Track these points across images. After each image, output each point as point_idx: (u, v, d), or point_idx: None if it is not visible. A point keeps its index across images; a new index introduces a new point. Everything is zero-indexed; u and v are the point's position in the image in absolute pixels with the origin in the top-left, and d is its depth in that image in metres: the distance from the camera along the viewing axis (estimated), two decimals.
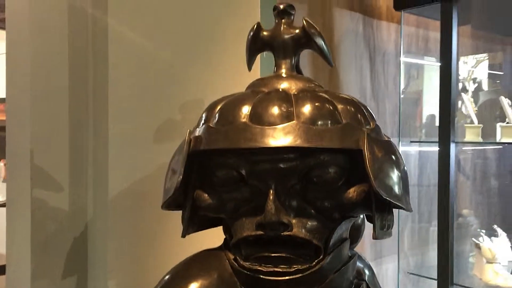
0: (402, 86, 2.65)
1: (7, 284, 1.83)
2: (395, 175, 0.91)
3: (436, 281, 1.82)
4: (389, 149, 0.94)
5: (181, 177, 0.93)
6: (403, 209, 0.94)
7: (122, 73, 1.71)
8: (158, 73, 1.80)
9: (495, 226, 2.37)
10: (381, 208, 0.91)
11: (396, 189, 0.91)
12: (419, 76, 3.31)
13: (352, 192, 0.92)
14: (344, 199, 0.92)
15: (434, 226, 2.41)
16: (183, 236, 1.00)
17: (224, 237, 1.05)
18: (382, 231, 0.92)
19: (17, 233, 1.76)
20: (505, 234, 2.31)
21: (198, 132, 0.98)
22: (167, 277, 1.00)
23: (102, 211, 1.77)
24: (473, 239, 2.35)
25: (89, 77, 1.77)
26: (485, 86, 3.33)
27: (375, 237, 0.92)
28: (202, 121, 1.02)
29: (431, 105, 3.00)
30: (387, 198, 0.88)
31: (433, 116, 2.97)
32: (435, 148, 2.16)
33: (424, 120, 3.08)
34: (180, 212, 1.02)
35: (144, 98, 1.76)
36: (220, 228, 1.06)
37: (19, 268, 1.75)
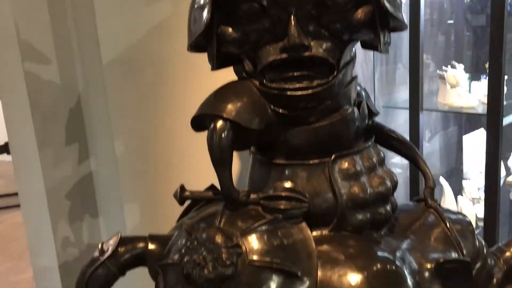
0: None
1: (13, 158, 1.92)
2: None
3: (408, 110, 2.09)
4: None
5: (210, 12, 1.03)
6: (401, 27, 1.11)
7: None
8: None
9: (453, 62, 2.66)
10: (382, 27, 1.07)
11: (396, 6, 1.07)
12: None
13: (360, 13, 1.06)
14: (353, 20, 1.06)
15: (402, 67, 2.67)
16: (213, 69, 1.12)
17: None
18: (385, 46, 1.10)
19: (15, 107, 1.82)
20: (462, 66, 2.62)
21: None
22: (207, 101, 1.12)
23: (95, 80, 1.84)
24: (438, 71, 2.64)
25: None
26: None
27: (380, 50, 1.09)
28: None
29: None
30: (392, 12, 1.03)
31: None
32: None
33: None
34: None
35: None
36: None
37: (24, 139, 1.83)
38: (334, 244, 1.09)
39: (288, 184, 1.08)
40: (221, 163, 1.04)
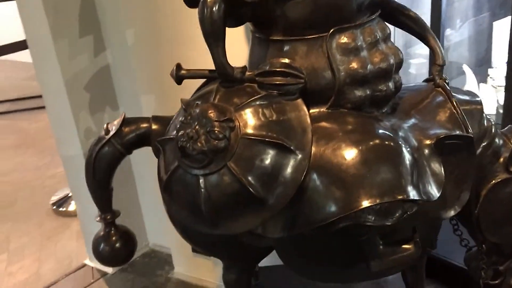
0: None
1: (31, 52, 1.96)
2: None
3: None
4: None
5: None
6: None
7: None
8: None
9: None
10: None
11: None
12: None
13: None
14: None
15: None
16: None
17: None
18: None
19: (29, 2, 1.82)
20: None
21: None
22: None
23: None
24: None
25: None
26: None
27: None
28: None
29: None
30: None
31: None
32: None
33: None
34: None
35: None
36: None
37: (39, 33, 1.85)
38: (332, 121, 1.08)
39: (284, 60, 1.06)
40: (213, 37, 1.02)
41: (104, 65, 2.01)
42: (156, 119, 1.22)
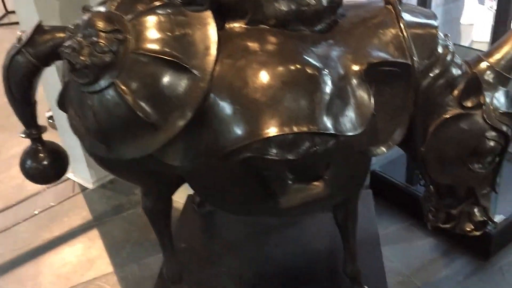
0: None
1: None
2: None
3: None
4: None
5: None
6: None
7: None
8: None
9: None
10: None
11: None
12: None
13: None
14: None
15: None
16: None
17: None
18: None
19: None
20: None
21: None
22: None
23: None
24: None
25: None
26: None
27: None
28: None
29: None
30: None
31: None
32: None
33: None
34: None
35: None
36: None
37: None
38: (249, 39, 0.96)
39: None
40: None
41: None
42: None
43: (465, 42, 2.27)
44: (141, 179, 1.17)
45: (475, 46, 1.91)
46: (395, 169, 2.05)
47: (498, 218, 1.76)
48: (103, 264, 1.90)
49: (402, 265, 1.78)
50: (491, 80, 1.08)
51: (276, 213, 1.11)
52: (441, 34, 1.08)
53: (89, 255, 1.95)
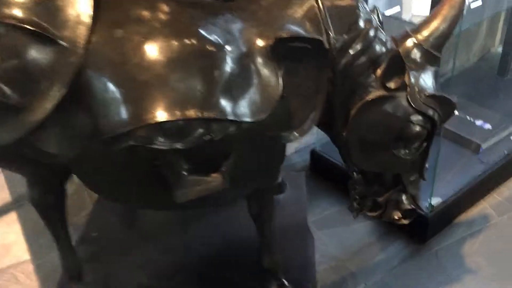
0: None
1: None
2: None
3: None
4: None
5: None
6: None
7: None
8: None
9: None
10: None
11: None
12: None
13: None
14: None
15: None
16: None
17: None
18: None
19: None
20: None
21: None
22: None
23: None
24: None
25: None
26: None
27: None
28: None
29: None
30: None
31: None
32: None
33: None
34: None
35: None
36: None
37: None
38: (139, 7, 0.82)
39: None
40: None
41: None
42: None
43: (406, 16, 2.17)
44: (21, 168, 1.02)
45: (415, 20, 1.80)
46: (335, 149, 1.96)
47: (435, 201, 1.71)
48: (20, 251, 1.76)
49: (337, 250, 1.71)
50: (418, 59, 0.98)
51: (178, 206, 0.99)
52: (364, 6, 0.97)
53: (5, 241, 1.80)
